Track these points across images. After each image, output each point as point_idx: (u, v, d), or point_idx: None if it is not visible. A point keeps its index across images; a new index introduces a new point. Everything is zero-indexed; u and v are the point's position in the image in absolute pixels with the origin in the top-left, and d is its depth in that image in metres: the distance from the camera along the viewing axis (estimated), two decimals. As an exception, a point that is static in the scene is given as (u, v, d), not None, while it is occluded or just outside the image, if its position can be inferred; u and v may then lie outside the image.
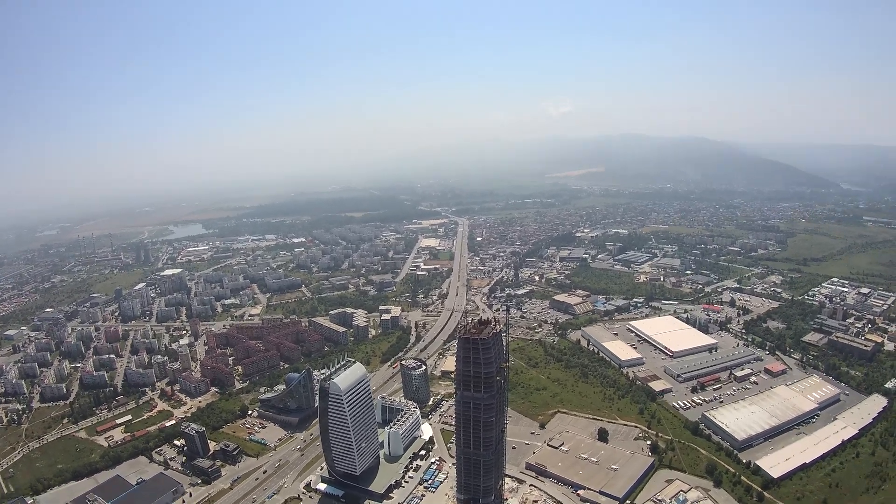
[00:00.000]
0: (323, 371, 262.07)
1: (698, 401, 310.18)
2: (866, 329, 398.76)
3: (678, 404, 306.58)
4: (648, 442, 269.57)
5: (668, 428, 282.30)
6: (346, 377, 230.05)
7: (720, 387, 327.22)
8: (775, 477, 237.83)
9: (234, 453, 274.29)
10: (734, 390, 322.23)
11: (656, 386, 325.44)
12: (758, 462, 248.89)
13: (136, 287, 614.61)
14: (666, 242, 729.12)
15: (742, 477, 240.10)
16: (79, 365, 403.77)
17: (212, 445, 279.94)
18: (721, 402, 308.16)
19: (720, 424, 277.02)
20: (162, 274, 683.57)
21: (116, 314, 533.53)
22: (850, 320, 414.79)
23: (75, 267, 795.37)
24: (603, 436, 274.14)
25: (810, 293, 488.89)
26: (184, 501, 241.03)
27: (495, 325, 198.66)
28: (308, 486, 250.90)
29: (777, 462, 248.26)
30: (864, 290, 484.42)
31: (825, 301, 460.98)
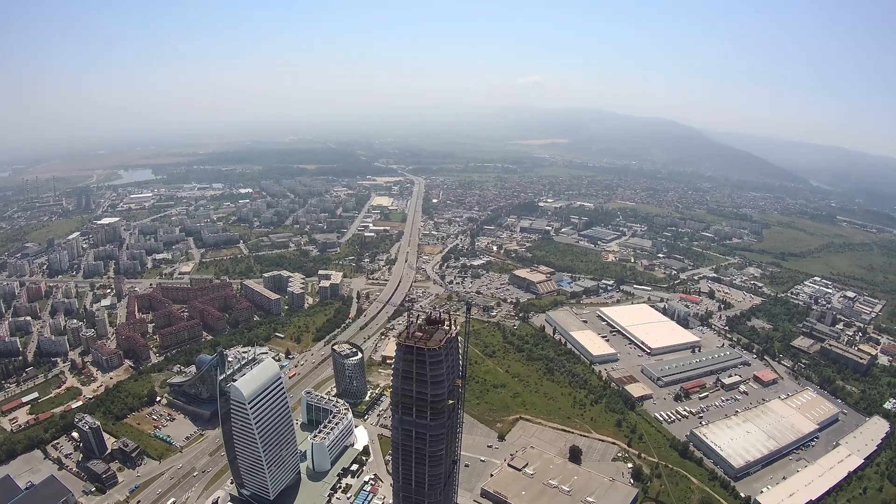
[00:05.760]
0: (245, 350, 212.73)
1: (683, 412, 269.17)
2: (858, 338, 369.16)
3: (661, 415, 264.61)
4: (630, 465, 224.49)
5: (651, 446, 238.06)
6: (252, 379, 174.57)
7: (707, 395, 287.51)
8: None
9: (134, 455, 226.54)
10: (723, 401, 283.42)
11: (634, 391, 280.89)
12: (759, 498, 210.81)
13: (70, 237, 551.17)
14: (634, 221, 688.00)
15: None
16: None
17: (111, 442, 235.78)
18: (707, 413, 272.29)
19: (713, 446, 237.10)
20: (98, 223, 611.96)
21: (45, 267, 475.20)
22: (839, 326, 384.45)
23: (16, 213, 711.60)
24: (575, 455, 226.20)
25: (793, 291, 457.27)
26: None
27: (450, 327, 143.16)
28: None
29: (780, 499, 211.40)
30: (850, 294, 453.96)
31: (811, 302, 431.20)
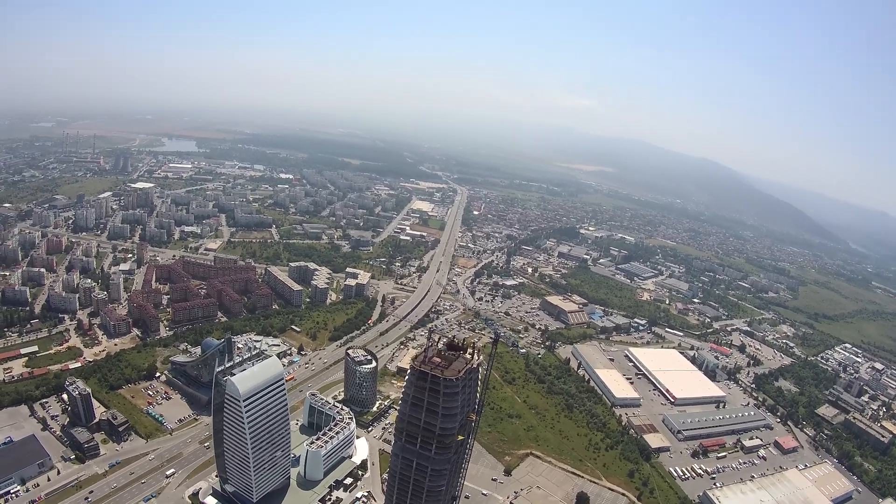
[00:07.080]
0: (258, 339, 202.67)
1: (699, 470, 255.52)
2: (881, 412, 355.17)
3: (676, 471, 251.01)
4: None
5: (661, 503, 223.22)
6: (252, 376, 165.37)
7: (725, 455, 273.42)
8: None
9: (121, 429, 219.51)
10: (740, 463, 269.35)
11: (652, 441, 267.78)
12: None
13: (101, 195, 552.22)
14: (673, 261, 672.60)
15: None
16: (7, 273, 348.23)
17: (100, 411, 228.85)
18: (723, 474, 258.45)
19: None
20: (132, 186, 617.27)
21: (70, 222, 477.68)
22: (865, 398, 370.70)
23: (52, 164, 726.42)
24: (582, 502, 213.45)
25: (823, 355, 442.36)
26: (48, 479, 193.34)
27: (472, 355, 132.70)
28: (196, 495, 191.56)
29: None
30: (878, 366, 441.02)
31: (839, 369, 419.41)
